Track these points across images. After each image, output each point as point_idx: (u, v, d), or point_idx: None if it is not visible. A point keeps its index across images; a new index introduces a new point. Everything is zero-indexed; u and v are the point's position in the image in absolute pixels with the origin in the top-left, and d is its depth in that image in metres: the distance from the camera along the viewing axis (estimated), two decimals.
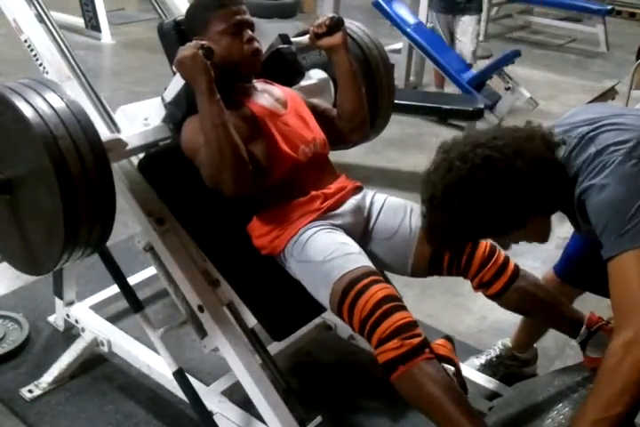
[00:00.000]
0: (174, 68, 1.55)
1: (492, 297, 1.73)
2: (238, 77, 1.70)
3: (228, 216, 1.74)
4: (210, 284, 1.68)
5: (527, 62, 5.31)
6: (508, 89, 4.35)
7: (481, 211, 1.30)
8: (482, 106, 3.81)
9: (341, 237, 1.63)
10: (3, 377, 2.02)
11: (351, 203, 1.74)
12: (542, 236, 1.43)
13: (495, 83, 4.48)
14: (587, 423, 1.23)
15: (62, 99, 1.40)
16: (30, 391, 1.96)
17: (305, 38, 1.85)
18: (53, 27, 1.81)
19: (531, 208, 1.32)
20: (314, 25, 1.78)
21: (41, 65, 1.72)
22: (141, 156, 1.72)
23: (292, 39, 1.86)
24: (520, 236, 1.40)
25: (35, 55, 1.72)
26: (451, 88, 4.61)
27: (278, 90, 1.78)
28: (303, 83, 1.98)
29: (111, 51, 5.72)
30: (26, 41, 1.73)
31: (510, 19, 7.67)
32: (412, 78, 5.04)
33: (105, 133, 1.62)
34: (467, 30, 4.60)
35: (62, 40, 1.79)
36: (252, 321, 1.71)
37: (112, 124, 1.70)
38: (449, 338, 1.57)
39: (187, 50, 1.50)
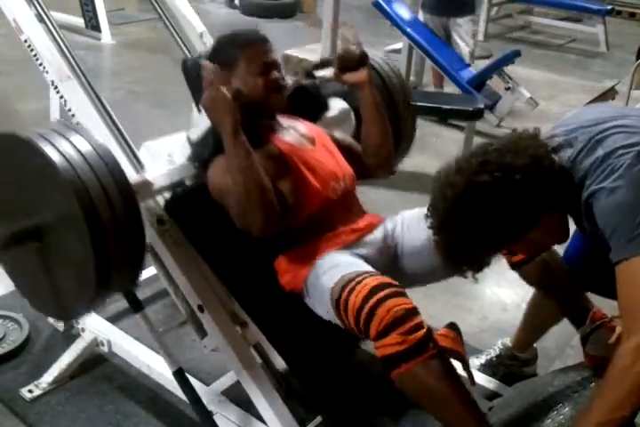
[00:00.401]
0: (200, 107, 1.55)
1: (515, 265, 1.71)
2: (263, 114, 1.69)
3: (257, 256, 1.73)
4: (237, 325, 1.68)
5: (527, 62, 5.31)
6: (508, 89, 4.35)
7: (492, 215, 1.30)
8: (482, 106, 3.80)
9: (352, 258, 1.61)
10: (3, 377, 2.02)
11: (377, 233, 1.73)
12: (560, 234, 1.44)
13: (495, 83, 4.48)
14: (591, 425, 1.24)
15: (89, 143, 1.38)
16: (30, 391, 1.96)
17: (329, 73, 1.85)
18: (53, 27, 1.81)
19: (537, 204, 1.32)
20: (337, 57, 1.75)
21: (41, 65, 1.72)
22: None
23: (316, 73, 1.86)
24: (538, 236, 1.39)
25: (35, 55, 1.72)
26: (450, 88, 4.61)
27: (303, 125, 1.78)
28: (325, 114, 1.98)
29: (111, 51, 5.71)
30: (26, 41, 1.73)
31: (510, 19, 7.66)
32: (412, 78, 5.03)
33: (130, 173, 1.60)
34: (463, 31, 4.59)
35: (62, 40, 1.79)
36: (280, 363, 1.71)
37: (136, 162, 1.68)
38: (453, 326, 1.50)
39: (214, 90, 1.49)
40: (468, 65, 4.57)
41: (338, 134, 1.87)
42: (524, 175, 1.28)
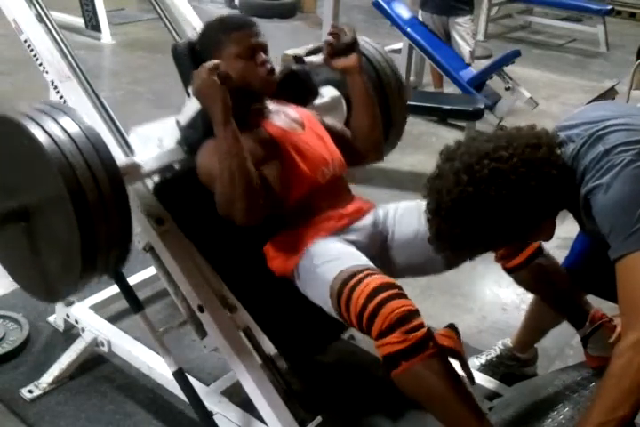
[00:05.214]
0: (190, 91, 1.55)
1: (510, 270, 1.71)
2: (253, 99, 1.69)
3: (245, 240, 1.72)
4: (226, 308, 1.68)
5: (527, 62, 5.31)
6: (507, 89, 4.35)
7: (491, 224, 1.30)
8: (482, 106, 3.80)
9: (348, 248, 1.61)
10: (3, 377, 2.02)
11: (367, 219, 1.73)
12: (549, 235, 1.44)
13: (495, 83, 4.48)
14: (592, 426, 1.23)
15: (78, 125, 1.38)
16: (30, 391, 1.96)
17: (319, 59, 1.84)
18: (53, 27, 1.81)
19: (540, 215, 1.33)
20: (327, 41, 1.76)
21: (41, 65, 1.72)
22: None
23: (306, 59, 1.86)
24: (533, 238, 1.41)
25: (35, 55, 1.72)
26: (450, 88, 4.61)
27: (293, 110, 1.78)
28: (316, 101, 1.98)
29: (111, 51, 5.71)
30: (26, 41, 1.73)
31: (510, 19, 7.65)
32: (412, 78, 5.03)
33: (119, 157, 1.60)
34: (463, 31, 4.59)
35: (62, 40, 1.79)
36: (269, 347, 1.71)
37: (126, 146, 1.68)
38: (453, 327, 1.51)
39: (203, 76, 1.49)
40: (468, 65, 4.56)
41: (328, 120, 1.87)
42: (532, 190, 1.27)
